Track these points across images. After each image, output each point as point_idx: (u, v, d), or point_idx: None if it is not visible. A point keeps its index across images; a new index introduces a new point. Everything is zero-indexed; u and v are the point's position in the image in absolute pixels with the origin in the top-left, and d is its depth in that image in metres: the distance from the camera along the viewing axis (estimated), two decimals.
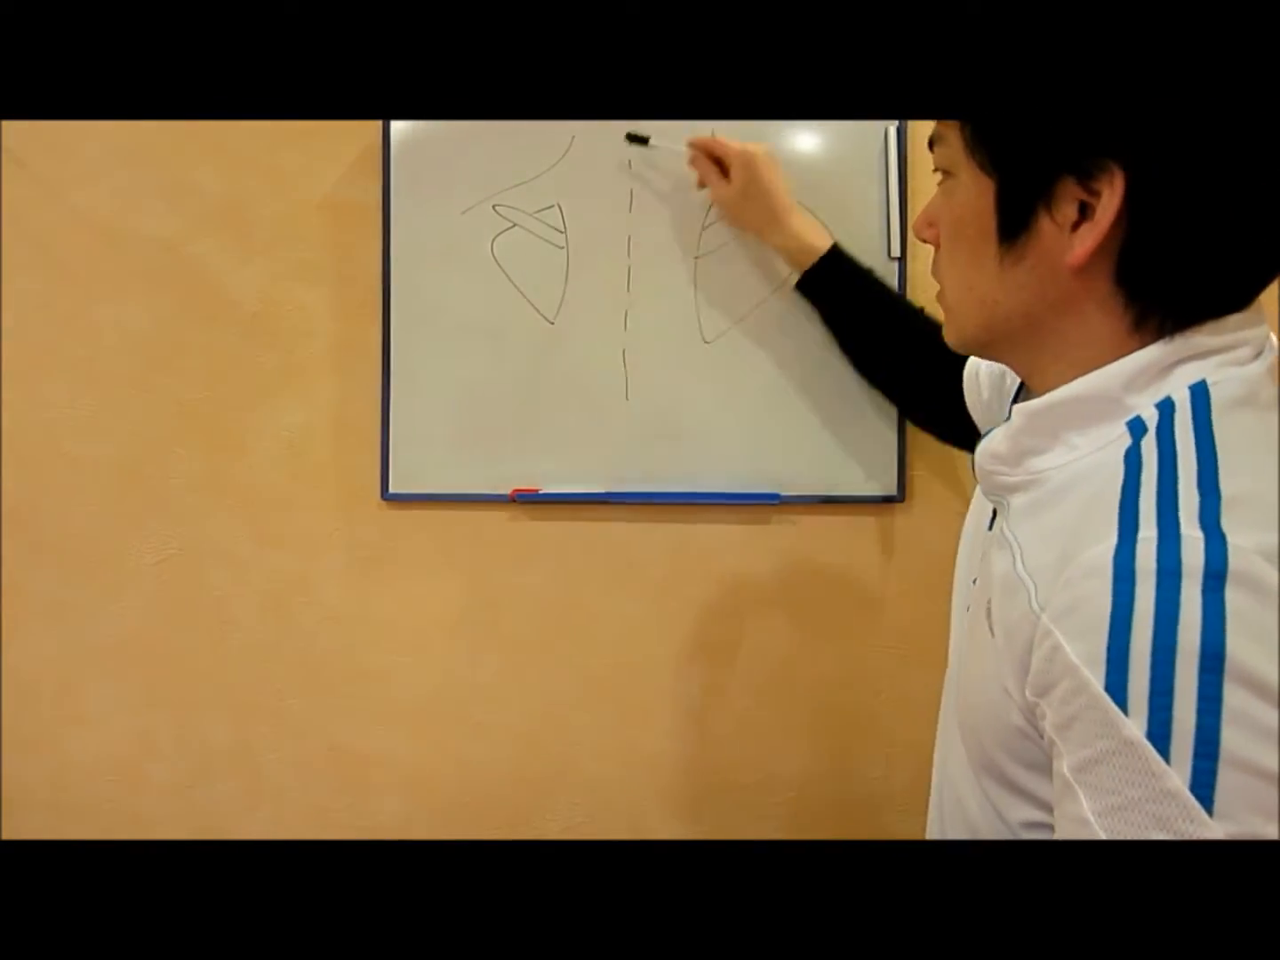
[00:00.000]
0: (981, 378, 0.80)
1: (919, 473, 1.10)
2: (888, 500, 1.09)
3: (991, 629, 0.56)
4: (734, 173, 1.00)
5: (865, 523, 1.11)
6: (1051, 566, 0.51)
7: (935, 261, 0.63)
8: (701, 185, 1.04)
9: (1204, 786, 0.43)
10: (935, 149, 0.61)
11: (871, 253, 1.07)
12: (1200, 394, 0.51)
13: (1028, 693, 0.51)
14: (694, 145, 1.02)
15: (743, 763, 1.13)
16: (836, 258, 0.99)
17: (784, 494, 1.08)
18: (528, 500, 1.10)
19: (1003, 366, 0.72)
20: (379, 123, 1.09)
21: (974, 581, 0.64)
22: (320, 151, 1.10)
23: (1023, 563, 0.53)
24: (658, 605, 1.12)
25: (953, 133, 0.58)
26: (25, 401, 1.13)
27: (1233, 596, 0.44)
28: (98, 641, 1.14)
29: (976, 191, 0.56)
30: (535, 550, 1.12)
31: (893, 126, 1.06)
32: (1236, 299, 0.54)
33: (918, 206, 1.08)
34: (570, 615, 1.13)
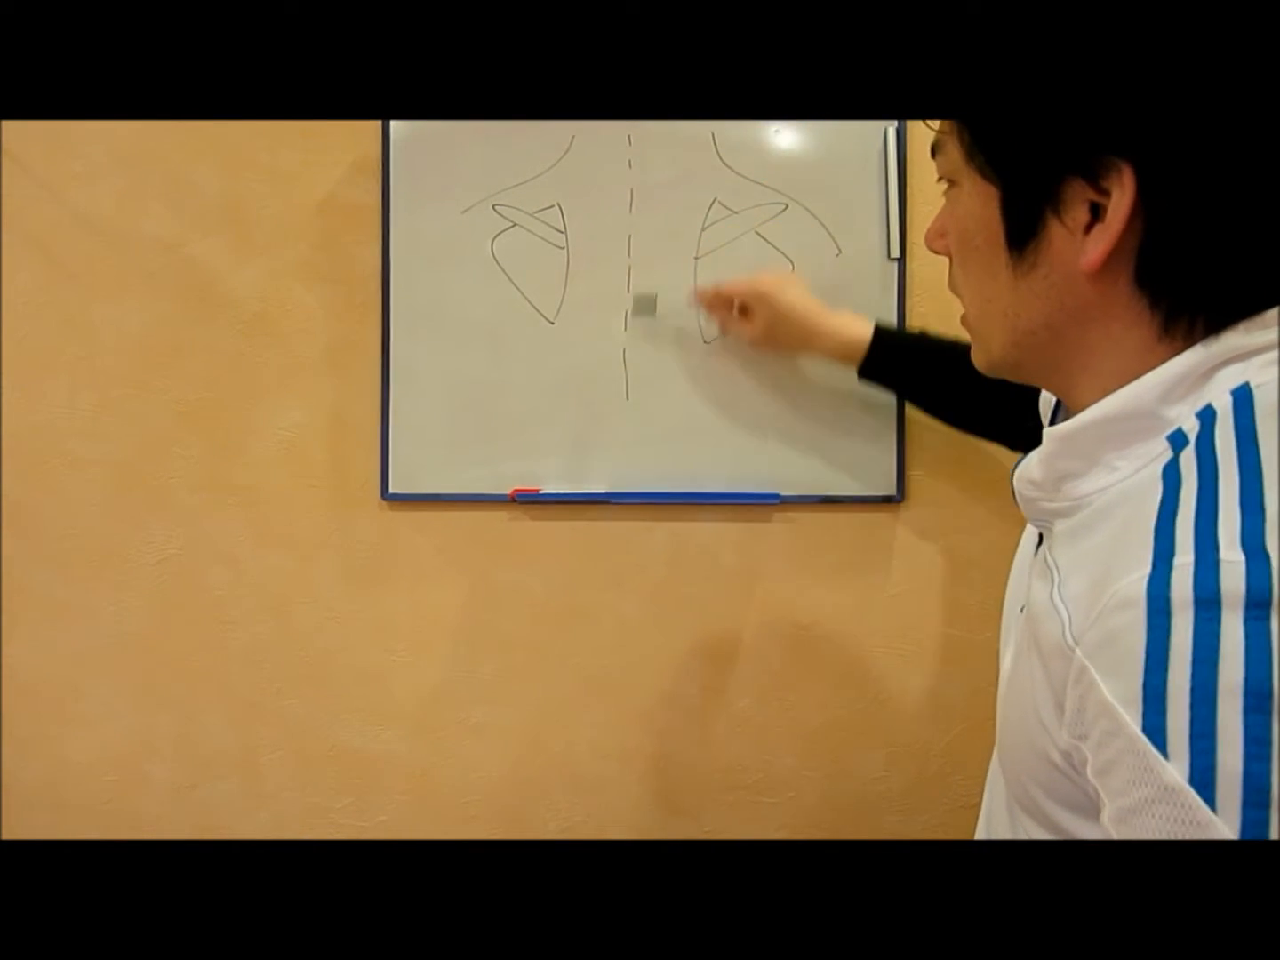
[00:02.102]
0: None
1: (918, 473, 1.10)
2: (887, 500, 1.09)
3: (1037, 660, 0.52)
4: (755, 311, 1.00)
5: (865, 523, 1.11)
6: (1086, 595, 0.47)
7: (951, 275, 0.60)
8: (724, 332, 1.05)
9: (1255, 838, 0.39)
10: (936, 157, 0.58)
11: (871, 253, 1.07)
12: (1243, 399, 0.47)
13: (1065, 734, 0.47)
14: (702, 298, 1.03)
15: (743, 763, 1.13)
16: (884, 341, 0.98)
17: (784, 494, 1.08)
18: (528, 500, 1.10)
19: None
20: (379, 123, 1.09)
21: (1021, 610, 0.60)
22: (320, 151, 1.10)
23: (1059, 591, 0.50)
24: (658, 605, 1.12)
25: (951, 140, 0.55)
26: (25, 401, 1.13)
27: (1278, 626, 0.39)
28: (98, 641, 1.14)
29: (981, 200, 0.54)
30: (535, 550, 1.12)
31: (892, 127, 1.06)
32: (1272, 293, 0.49)
33: (918, 206, 1.08)
34: (570, 615, 1.13)
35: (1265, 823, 0.39)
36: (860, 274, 1.07)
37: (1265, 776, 0.39)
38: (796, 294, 1.00)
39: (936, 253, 0.61)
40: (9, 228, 1.12)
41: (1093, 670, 0.44)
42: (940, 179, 0.59)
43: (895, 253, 1.06)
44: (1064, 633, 0.47)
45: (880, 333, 0.98)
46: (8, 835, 1.14)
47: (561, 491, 1.10)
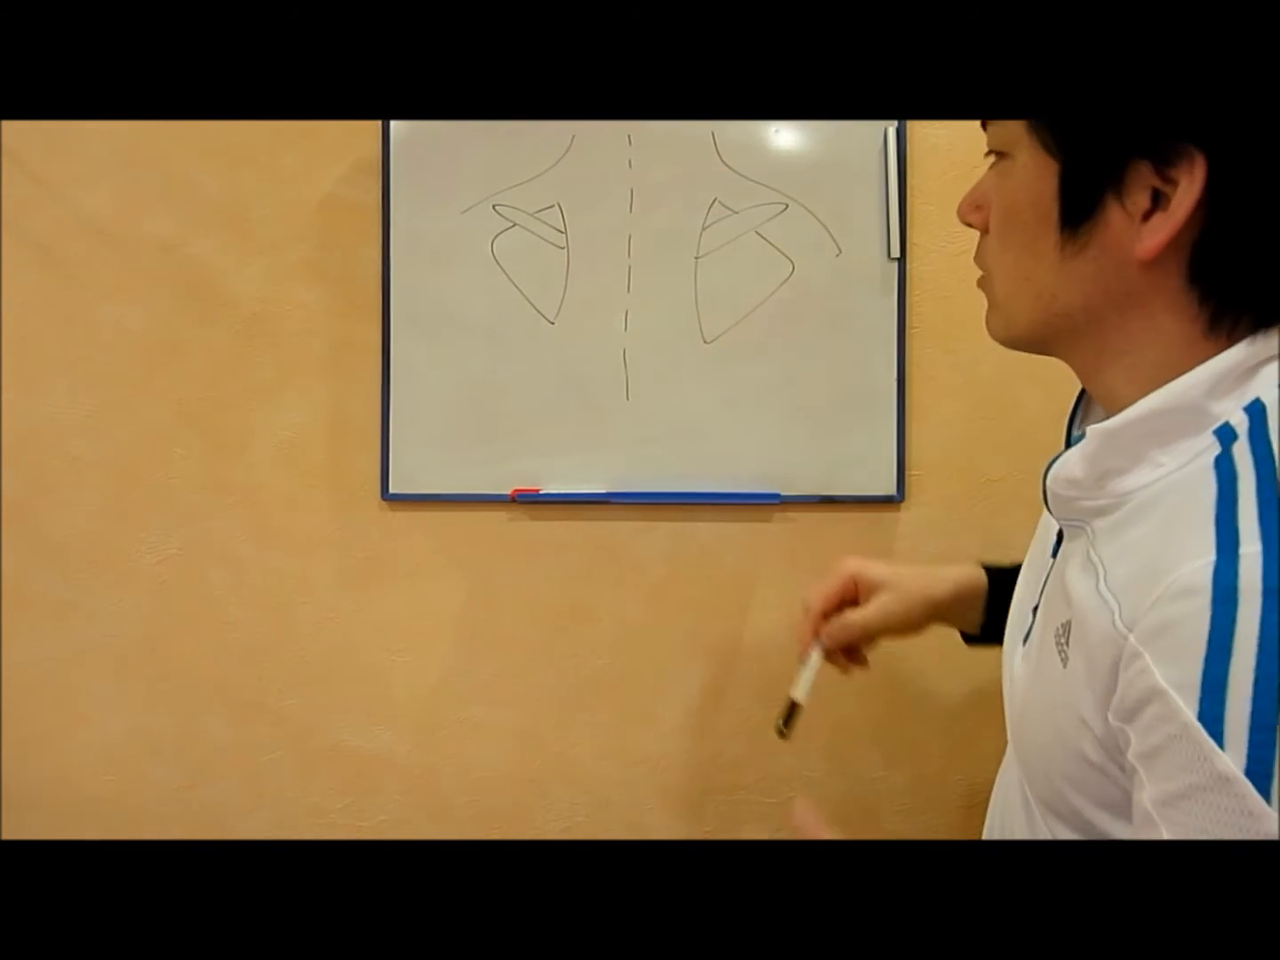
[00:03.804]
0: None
1: (918, 473, 1.10)
2: (887, 500, 1.09)
3: (1064, 657, 0.52)
4: (872, 595, 0.82)
5: (865, 523, 1.10)
6: (1137, 583, 0.46)
7: (981, 248, 0.58)
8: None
9: None
10: (990, 127, 0.56)
11: (871, 253, 1.07)
12: None
13: (1111, 717, 0.47)
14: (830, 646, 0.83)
15: (743, 763, 1.13)
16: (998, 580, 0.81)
17: (784, 494, 1.08)
18: (528, 500, 1.10)
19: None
20: (379, 123, 1.09)
21: (1034, 610, 0.60)
22: (320, 151, 1.10)
23: (1106, 582, 0.49)
24: (658, 605, 1.12)
25: None
26: (25, 401, 1.13)
27: None
28: (98, 641, 1.14)
29: (1037, 174, 0.52)
30: (535, 550, 1.12)
31: (892, 126, 1.06)
32: None
33: (918, 206, 1.08)
34: (570, 615, 1.13)
35: None
36: (860, 274, 1.07)
37: None
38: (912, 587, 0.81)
39: (969, 225, 0.59)
40: (9, 228, 1.12)
41: (1147, 656, 0.44)
42: (989, 152, 0.56)
43: (895, 253, 1.06)
44: (1114, 621, 0.47)
45: (992, 580, 0.81)
46: (8, 835, 1.14)
47: (561, 491, 1.10)
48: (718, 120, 1.03)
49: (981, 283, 0.59)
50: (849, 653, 0.83)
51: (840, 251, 1.07)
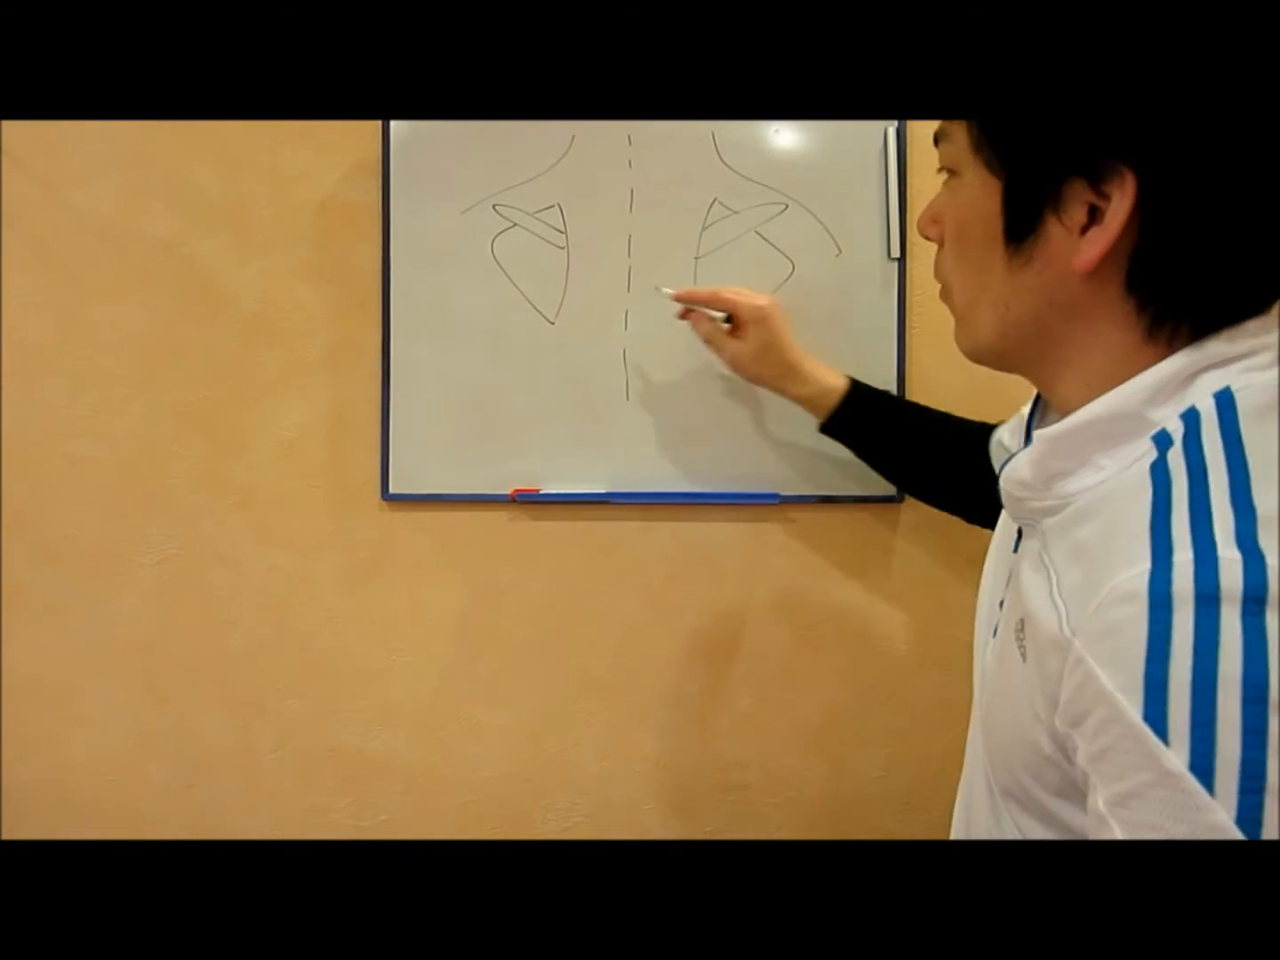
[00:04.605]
0: (1004, 438, 0.75)
1: None
2: (888, 500, 1.09)
3: (1023, 652, 0.54)
4: (748, 330, 0.96)
5: (865, 523, 1.11)
6: (1080, 589, 0.49)
7: (939, 260, 0.62)
8: (707, 341, 1.00)
9: (1251, 822, 0.41)
10: (940, 145, 0.59)
11: (871, 253, 1.07)
12: (1226, 402, 0.49)
13: (1058, 722, 0.49)
14: (692, 297, 0.98)
15: (743, 763, 1.13)
16: (857, 395, 0.97)
17: (784, 494, 1.08)
18: (528, 500, 1.10)
19: (1020, 416, 0.68)
20: (379, 123, 1.09)
21: (1000, 604, 0.62)
22: (320, 151, 1.10)
23: (1057, 588, 0.51)
24: (658, 605, 1.12)
25: (959, 130, 0.56)
26: (25, 401, 1.13)
27: (1274, 622, 0.42)
28: (98, 641, 1.14)
29: (983, 191, 0.55)
30: (535, 550, 1.12)
31: (892, 126, 1.06)
32: (1256, 304, 0.51)
33: (918, 206, 1.08)
34: (570, 615, 1.13)
35: (1260, 807, 0.41)
36: (860, 274, 1.07)
37: (1261, 764, 0.41)
38: (788, 327, 0.97)
39: (928, 238, 0.62)
40: (9, 228, 1.12)
41: (1090, 661, 0.46)
42: (941, 169, 0.60)
43: (895, 253, 1.06)
44: (1060, 626, 0.49)
45: (856, 386, 0.97)
46: (8, 835, 1.14)
47: (561, 491, 1.10)
48: (718, 120, 1.03)
49: (943, 295, 0.63)
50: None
51: (840, 251, 1.07)
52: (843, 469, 1.08)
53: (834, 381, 0.97)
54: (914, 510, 1.10)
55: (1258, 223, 0.50)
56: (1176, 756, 0.42)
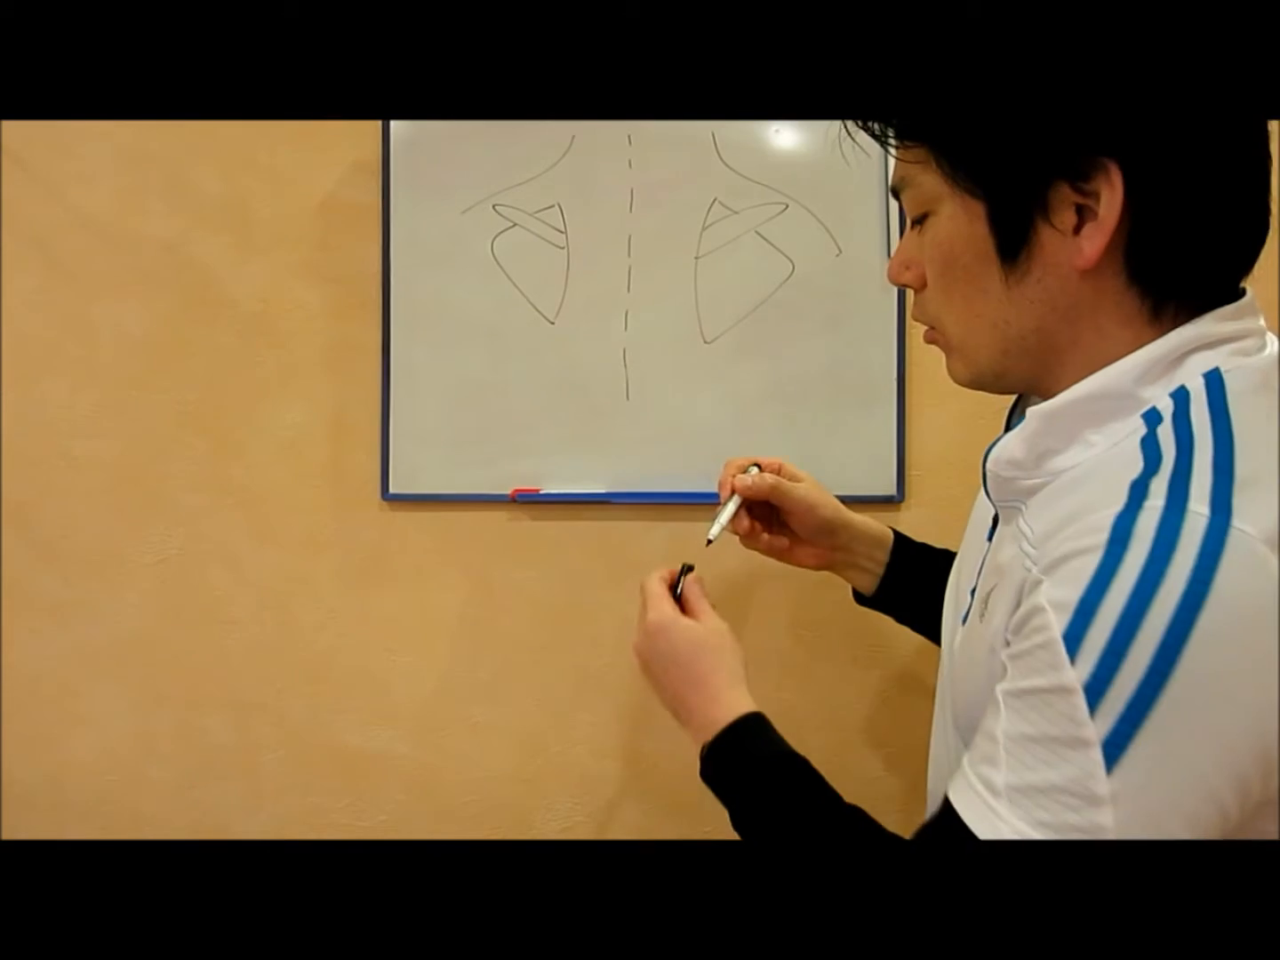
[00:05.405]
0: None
1: (919, 473, 1.10)
2: (888, 500, 1.09)
3: (986, 612, 0.56)
4: (794, 520, 0.88)
5: None
6: (1053, 533, 0.51)
7: (920, 303, 0.62)
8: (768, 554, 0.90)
9: (1115, 747, 0.44)
10: (903, 194, 0.60)
11: (871, 253, 1.07)
12: (1215, 381, 0.51)
13: (1008, 634, 0.52)
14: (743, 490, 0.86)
15: None
16: (905, 550, 0.88)
17: None
18: (528, 500, 1.10)
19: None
20: (379, 123, 1.08)
21: (971, 592, 0.63)
22: (320, 151, 1.10)
23: (1030, 542, 0.53)
24: None
25: (921, 172, 0.57)
26: (25, 401, 1.13)
27: (1222, 582, 0.44)
28: (98, 641, 1.14)
29: (966, 218, 0.56)
30: (535, 550, 1.12)
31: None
32: (1239, 273, 0.54)
33: None
34: (570, 615, 1.13)
35: (1130, 737, 0.44)
36: (860, 274, 1.07)
37: (1149, 702, 0.44)
38: (813, 485, 0.88)
39: (903, 285, 0.63)
40: (9, 228, 1.12)
41: (1045, 580, 0.49)
42: (913, 223, 0.60)
43: None
44: (1028, 566, 0.52)
45: (900, 539, 0.87)
46: (8, 835, 1.14)
47: (561, 491, 1.10)
48: (718, 120, 1.03)
49: (929, 336, 0.63)
50: (764, 520, 0.89)
51: (840, 251, 1.07)
52: (843, 469, 1.08)
53: (883, 533, 0.88)
54: (914, 510, 1.10)
55: (1237, 195, 0.52)
56: (1077, 673, 0.45)
